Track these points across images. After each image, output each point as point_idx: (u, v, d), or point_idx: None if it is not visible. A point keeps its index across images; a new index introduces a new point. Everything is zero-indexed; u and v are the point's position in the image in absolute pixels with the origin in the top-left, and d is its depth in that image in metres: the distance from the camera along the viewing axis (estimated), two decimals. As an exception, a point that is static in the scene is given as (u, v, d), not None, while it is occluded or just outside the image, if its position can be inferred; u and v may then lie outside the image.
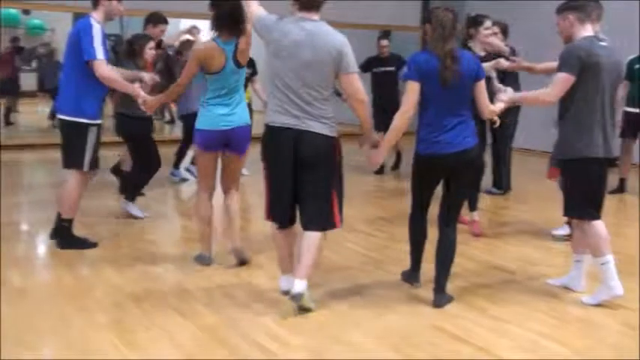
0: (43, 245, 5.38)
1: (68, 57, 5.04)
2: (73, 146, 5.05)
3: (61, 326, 3.73)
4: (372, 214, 6.78)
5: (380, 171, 8.56)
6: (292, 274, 4.03)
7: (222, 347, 3.51)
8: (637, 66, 7.76)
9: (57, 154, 5.37)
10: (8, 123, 13.27)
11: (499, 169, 7.51)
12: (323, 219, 3.99)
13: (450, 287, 4.45)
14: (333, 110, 3.96)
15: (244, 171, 7.77)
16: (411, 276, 4.49)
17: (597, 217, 4.23)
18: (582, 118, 4.16)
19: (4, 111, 13.29)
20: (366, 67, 8.58)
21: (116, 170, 6.98)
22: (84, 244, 5.19)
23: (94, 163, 5.13)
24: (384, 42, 8.94)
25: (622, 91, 7.43)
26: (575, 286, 4.45)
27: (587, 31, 4.23)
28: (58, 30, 15.96)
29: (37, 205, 6.64)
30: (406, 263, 4.90)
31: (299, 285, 3.91)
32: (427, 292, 4.35)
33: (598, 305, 4.19)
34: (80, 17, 5.26)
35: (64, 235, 5.17)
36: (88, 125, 4.99)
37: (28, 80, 15.23)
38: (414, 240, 4.43)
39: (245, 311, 3.99)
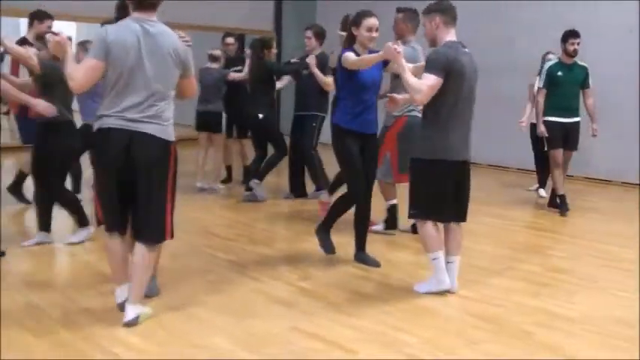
0: None
1: None
2: None
3: None
4: (229, 218, 6.78)
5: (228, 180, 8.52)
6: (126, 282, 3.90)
7: (76, 361, 3.39)
8: (560, 73, 7.27)
9: None
10: None
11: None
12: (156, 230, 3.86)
13: (305, 285, 4.57)
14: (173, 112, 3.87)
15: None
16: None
17: (431, 218, 4.43)
18: (446, 122, 4.28)
19: None
20: None
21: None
22: None
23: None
24: (230, 39, 8.46)
25: (542, 99, 7.35)
26: (452, 286, 4.52)
27: (451, 35, 4.36)
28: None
29: None
30: (266, 267, 4.98)
31: (132, 311, 3.82)
32: (287, 294, 4.46)
33: (440, 295, 4.46)
34: None
35: None
36: None
37: None
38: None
39: (101, 324, 3.86)
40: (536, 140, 8.17)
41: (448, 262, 4.53)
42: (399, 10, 5.87)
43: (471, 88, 4.37)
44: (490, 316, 4.17)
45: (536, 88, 8.01)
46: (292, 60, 7.72)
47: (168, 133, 3.81)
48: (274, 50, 7.50)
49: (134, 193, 3.78)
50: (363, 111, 4.92)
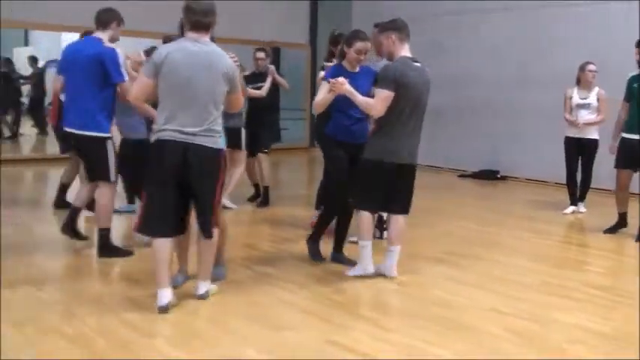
0: None
1: (84, 77, 5.25)
2: (97, 160, 5.41)
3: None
4: (266, 232, 6.82)
5: (265, 203, 8.17)
6: (168, 286, 4.28)
7: (112, 370, 3.45)
8: (635, 84, 6.73)
9: None
10: None
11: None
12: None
13: (339, 298, 4.58)
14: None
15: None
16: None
17: (370, 210, 5.03)
18: (391, 128, 4.81)
19: None
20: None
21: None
22: (120, 252, 5.51)
23: (116, 174, 5.54)
24: (260, 54, 8.18)
25: (623, 112, 6.92)
26: (390, 273, 5.06)
27: (405, 50, 4.86)
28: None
29: None
30: (300, 280, 5.01)
31: (203, 286, 4.44)
32: (321, 307, 4.47)
33: (476, 310, 4.44)
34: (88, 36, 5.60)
35: (103, 245, 5.46)
36: (106, 139, 5.36)
37: None
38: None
39: (137, 333, 3.92)
40: (570, 155, 8.05)
41: (389, 251, 5.06)
42: (376, 25, 5.88)
43: (418, 99, 4.84)
44: (525, 331, 4.13)
45: (575, 100, 7.86)
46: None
47: (219, 143, 4.29)
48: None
49: (192, 195, 4.27)
50: (354, 123, 5.25)
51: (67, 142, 6.63)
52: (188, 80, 4.10)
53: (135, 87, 4.34)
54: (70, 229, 5.72)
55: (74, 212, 5.71)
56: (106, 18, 5.41)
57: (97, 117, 5.31)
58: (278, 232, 6.69)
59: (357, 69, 5.21)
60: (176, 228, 4.31)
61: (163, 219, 4.21)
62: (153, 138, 4.26)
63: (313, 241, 5.59)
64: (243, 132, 7.71)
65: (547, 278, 5.33)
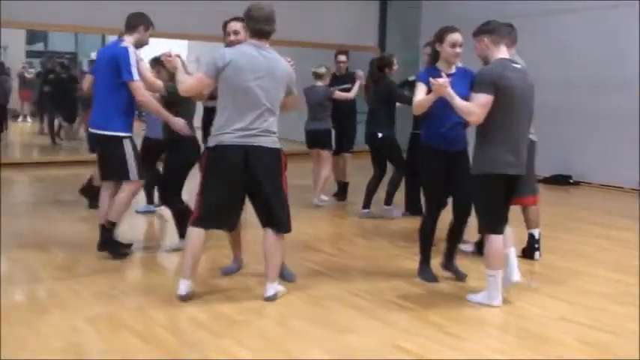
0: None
1: (103, 77, 5.38)
2: (115, 160, 5.41)
3: (12, 353, 3.62)
4: (333, 233, 6.81)
5: (343, 197, 8.44)
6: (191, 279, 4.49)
7: (181, 369, 3.49)
8: None
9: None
10: None
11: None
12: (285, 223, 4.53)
13: (406, 304, 4.53)
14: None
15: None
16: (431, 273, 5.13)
17: (498, 231, 4.50)
18: (494, 136, 4.42)
19: None
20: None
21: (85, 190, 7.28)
22: (120, 247, 5.49)
23: (141, 173, 5.48)
24: (342, 57, 8.46)
25: None
26: (513, 277, 4.67)
27: (501, 52, 4.51)
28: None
29: None
30: (367, 283, 4.95)
31: (272, 288, 4.51)
32: (388, 311, 4.43)
33: (549, 319, 4.32)
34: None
35: (104, 239, 5.45)
36: (123, 138, 5.36)
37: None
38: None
39: (206, 333, 3.97)
40: None
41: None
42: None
43: (521, 102, 4.47)
44: (601, 343, 3.99)
45: None
46: (410, 78, 7.35)
47: (277, 142, 4.42)
48: (395, 67, 7.34)
49: (257, 195, 4.42)
50: (449, 129, 4.85)
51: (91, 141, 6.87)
52: (250, 85, 4.25)
53: (191, 81, 4.42)
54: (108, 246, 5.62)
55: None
56: (134, 22, 5.47)
57: (114, 116, 5.34)
58: (349, 237, 6.66)
59: (453, 69, 4.85)
60: (229, 224, 4.63)
61: (214, 214, 4.40)
62: (212, 142, 4.37)
63: (425, 264, 5.17)
64: (333, 132, 7.87)
65: (625, 288, 5.12)
